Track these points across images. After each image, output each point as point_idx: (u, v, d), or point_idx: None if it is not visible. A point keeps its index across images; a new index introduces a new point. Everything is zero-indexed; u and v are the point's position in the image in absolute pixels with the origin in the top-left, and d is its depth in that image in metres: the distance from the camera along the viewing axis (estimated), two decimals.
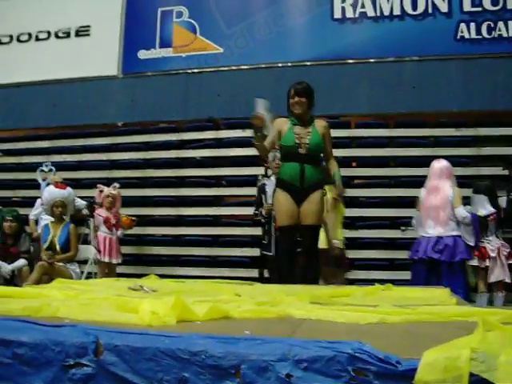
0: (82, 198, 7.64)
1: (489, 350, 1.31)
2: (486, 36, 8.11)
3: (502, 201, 6.62)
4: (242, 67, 8.94)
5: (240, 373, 1.28)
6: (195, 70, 9.14)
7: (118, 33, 9.52)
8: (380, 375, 1.25)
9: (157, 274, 4.56)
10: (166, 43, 9.32)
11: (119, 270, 7.52)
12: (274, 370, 1.26)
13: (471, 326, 1.65)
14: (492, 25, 8.09)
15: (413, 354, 1.32)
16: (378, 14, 8.56)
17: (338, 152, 8.02)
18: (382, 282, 3.89)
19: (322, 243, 5.68)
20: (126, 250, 8.05)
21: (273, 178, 6.04)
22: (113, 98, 9.38)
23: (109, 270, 7.16)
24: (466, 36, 8.15)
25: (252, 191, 8.28)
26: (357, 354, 1.26)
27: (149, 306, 1.88)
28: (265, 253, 6.58)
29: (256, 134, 4.76)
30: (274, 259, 6.06)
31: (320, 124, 5.04)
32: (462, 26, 8.15)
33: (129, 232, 7.88)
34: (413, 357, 1.30)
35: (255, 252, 7.97)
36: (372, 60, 8.51)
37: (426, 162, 6.61)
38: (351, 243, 7.27)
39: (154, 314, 1.81)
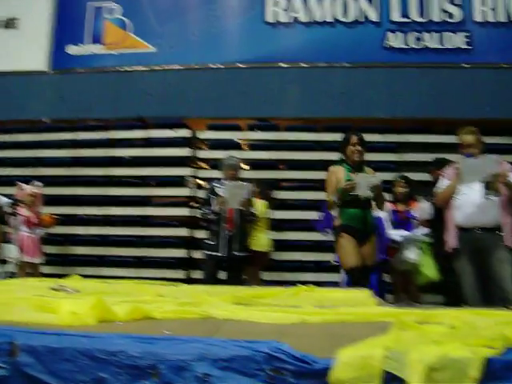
0: (3, 195, 7.39)
1: (402, 348, 1.36)
2: (413, 46, 8.37)
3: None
4: (174, 67, 8.88)
5: (158, 372, 1.28)
6: (126, 69, 9.01)
7: (47, 27, 9.27)
8: (296, 374, 1.28)
9: (83, 275, 4.48)
10: (96, 39, 9.14)
11: (44, 270, 7.34)
12: (191, 369, 1.27)
13: (388, 325, 1.71)
14: (418, 35, 8.36)
15: (331, 354, 1.35)
16: (310, 20, 8.68)
17: (266, 154, 8.16)
18: (308, 283, 3.95)
19: None
20: (51, 249, 7.87)
21: (225, 182, 5.92)
22: (40, 93, 9.11)
23: (32, 270, 6.98)
24: (394, 45, 8.38)
25: (180, 192, 8.27)
26: (274, 354, 1.29)
27: (69, 306, 1.86)
28: (210, 253, 5.95)
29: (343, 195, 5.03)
30: (225, 260, 5.88)
31: (370, 170, 5.33)
32: (390, 35, 8.39)
33: (54, 231, 7.70)
34: (331, 356, 1.33)
35: (182, 253, 7.95)
36: (303, 64, 8.61)
37: None
38: (279, 245, 7.37)
39: (75, 315, 1.78)
